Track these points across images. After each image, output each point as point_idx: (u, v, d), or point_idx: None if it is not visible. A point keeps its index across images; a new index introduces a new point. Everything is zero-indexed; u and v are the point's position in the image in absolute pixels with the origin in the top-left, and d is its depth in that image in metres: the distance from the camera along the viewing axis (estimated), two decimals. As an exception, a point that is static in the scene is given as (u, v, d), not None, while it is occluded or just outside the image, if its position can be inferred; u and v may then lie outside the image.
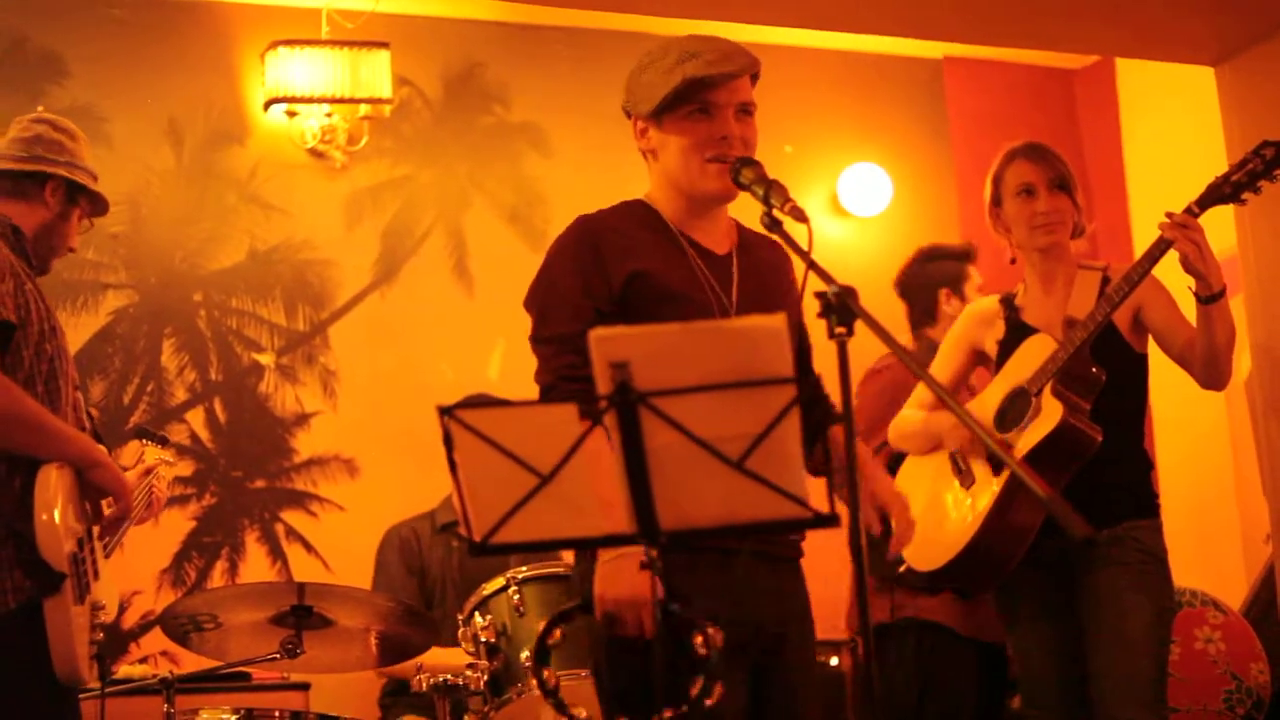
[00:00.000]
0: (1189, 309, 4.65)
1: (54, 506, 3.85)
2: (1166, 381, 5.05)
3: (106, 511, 4.11)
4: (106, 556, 4.20)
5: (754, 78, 3.79)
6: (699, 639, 3.02)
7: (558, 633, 3.88)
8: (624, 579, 3.38)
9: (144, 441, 5.09)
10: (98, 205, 4.48)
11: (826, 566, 5.73)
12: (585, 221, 3.80)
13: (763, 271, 3.84)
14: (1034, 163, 4.84)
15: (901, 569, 5.05)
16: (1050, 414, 4.56)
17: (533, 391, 3.70)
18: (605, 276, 3.67)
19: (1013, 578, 4.69)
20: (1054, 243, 4.82)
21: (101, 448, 4.09)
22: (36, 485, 3.86)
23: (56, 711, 3.95)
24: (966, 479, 4.73)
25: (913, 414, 5.00)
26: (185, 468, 6.62)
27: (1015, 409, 4.66)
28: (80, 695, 4.38)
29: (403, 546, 5.98)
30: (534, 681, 4.28)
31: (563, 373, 3.59)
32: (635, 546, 3.20)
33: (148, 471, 4.85)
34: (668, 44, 3.79)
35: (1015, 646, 4.82)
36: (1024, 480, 2.83)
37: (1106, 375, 4.60)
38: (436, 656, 5.07)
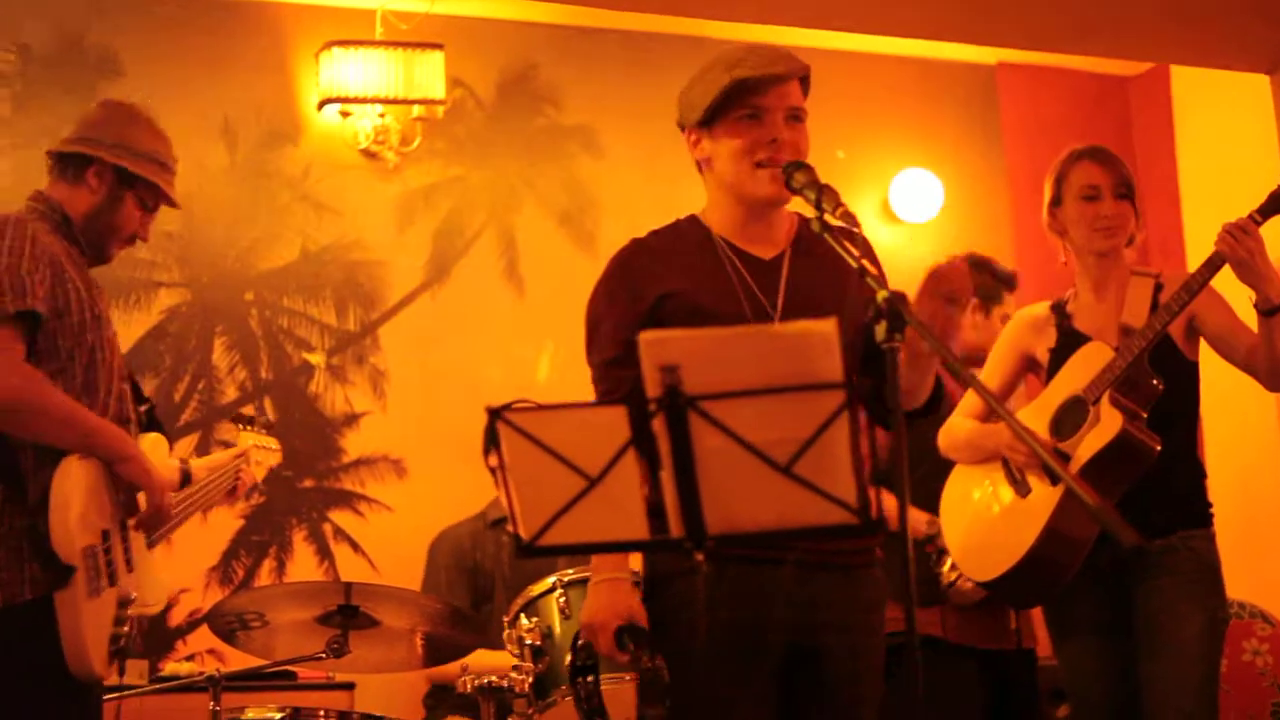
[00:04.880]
0: (1248, 314, 4.61)
1: (68, 497, 3.81)
2: (1215, 391, 5.02)
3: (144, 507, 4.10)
4: (150, 546, 4.18)
5: (805, 85, 3.80)
6: (646, 663, 3.21)
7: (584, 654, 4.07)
8: (592, 603, 3.70)
9: (240, 426, 5.07)
10: (158, 193, 4.34)
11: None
12: (628, 246, 3.88)
13: (821, 269, 3.79)
14: (1100, 165, 4.81)
15: (956, 575, 5.03)
16: (1110, 423, 4.52)
17: (580, 393, 3.74)
18: (634, 302, 3.76)
19: (1066, 589, 4.66)
20: (1112, 247, 4.79)
21: (133, 441, 4.04)
22: (55, 476, 3.82)
23: (66, 705, 3.89)
24: (1022, 488, 4.69)
25: (962, 422, 4.96)
26: (233, 466, 6.66)
27: (1072, 417, 4.63)
28: (125, 693, 4.40)
29: (456, 547, 5.99)
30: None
31: (600, 399, 3.74)
32: (620, 571, 3.68)
33: (239, 455, 4.83)
34: (717, 56, 3.81)
35: (1066, 659, 4.78)
36: (1074, 490, 2.81)
37: (1163, 385, 4.57)
38: (482, 658, 5.07)
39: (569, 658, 4.49)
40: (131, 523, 4.07)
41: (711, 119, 3.74)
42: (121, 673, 4.10)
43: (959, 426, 4.97)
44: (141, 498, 4.05)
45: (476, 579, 5.92)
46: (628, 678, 4.14)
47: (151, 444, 4.28)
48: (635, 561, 4.08)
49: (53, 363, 3.95)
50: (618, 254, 3.88)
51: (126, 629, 3.98)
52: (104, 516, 3.93)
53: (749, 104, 3.70)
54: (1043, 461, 4.51)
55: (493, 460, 2.71)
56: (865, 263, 3.21)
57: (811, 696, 3.67)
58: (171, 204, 4.37)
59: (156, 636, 6.46)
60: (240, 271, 6.96)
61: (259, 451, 5.01)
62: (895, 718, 5.74)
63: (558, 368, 7.11)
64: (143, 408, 4.38)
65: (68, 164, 4.25)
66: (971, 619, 5.37)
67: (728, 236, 3.81)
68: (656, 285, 3.74)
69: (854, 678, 3.72)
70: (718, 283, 3.75)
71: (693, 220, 3.89)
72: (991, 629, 5.42)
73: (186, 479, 4.63)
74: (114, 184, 4.24)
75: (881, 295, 2.91)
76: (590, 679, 4.10)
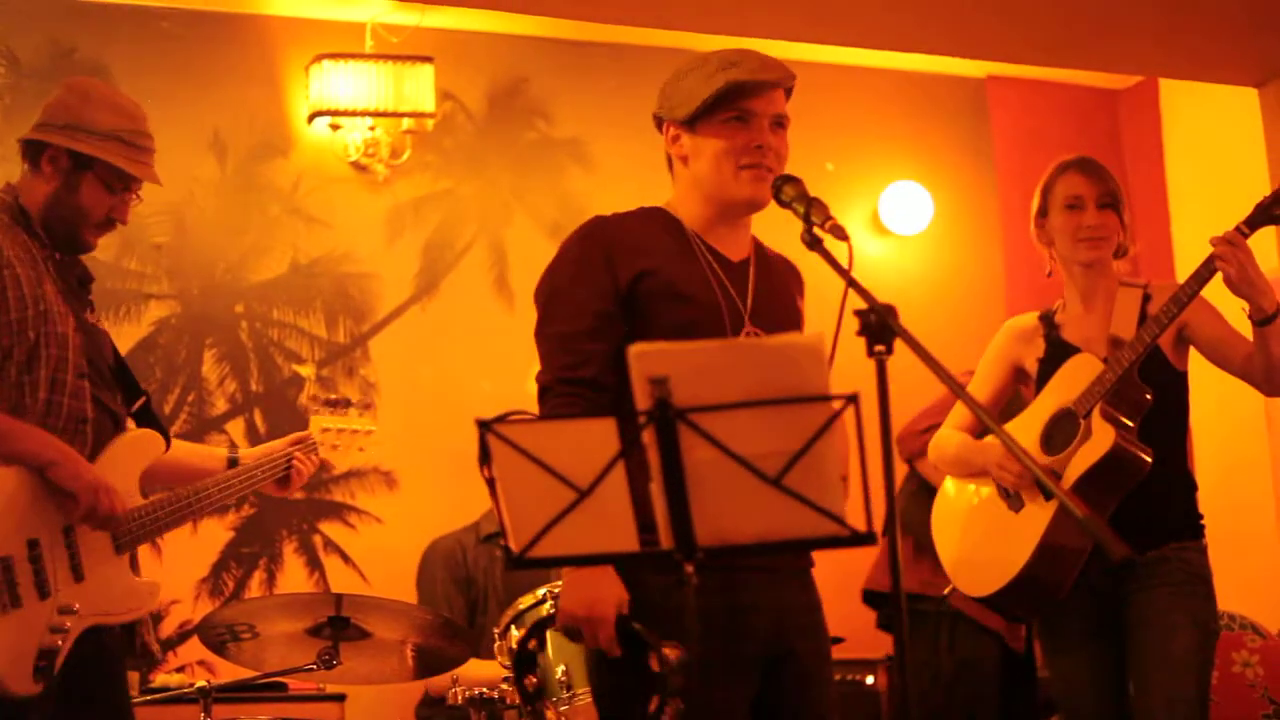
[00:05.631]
0: (1240, 322, 4.61)
1: None
2: (1205, 402, 5.02)
3: (150, 498, 4.00)
4: (120, 552, 3.99)
5: (788, 93, 3.82)
6: (654, 657, 3.10)
7: (533, 642, 4.00)
8: (584, 594, 3.48)
9: (314, 409, 4.83)
10: (122, 173, 4.12)
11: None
12: (597, 220, 3.83)
13: (776, 286, 3.88)
14: (1085, 176, 4.81)
15: (947, 590, 5.04)
16: (1102, 437, 4.52)
17: None
18: (613, 274, 3.70)
19: (1059, 603, 4.66)
20: (1097, 258, 4.79)
21: (59, 444, 3.87)
22: None
23: None
24: (1015, 503, 4.69)
25: (952, 435, 4.96)
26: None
27: (1063, 431, 4.63)
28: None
29: (448, 557, 6.00)
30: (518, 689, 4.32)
31: (560, 374, 3.68)
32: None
33: (297, 441, 4.63)
34: (706, 55, 3.82)
35: (1057, 670, 4.78)
36: (1064, 502, 2.82)
37: (1153, 396, 4.58)
38: (475, 669, 5.08)
39: (561, 668, 4.50)
40: (97, 530, 3.94)
41: (698, 118, 3.75)
42: (42, 686, 3.79)
43: (949, 440, 4.96)
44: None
45: (470, 592, 5.93)
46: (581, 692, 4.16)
47: (133, 441, 4.15)
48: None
49: None
50: (586, 227, 3.82)
51: (60, 643, 3.81)
52: (30, 526, 3.81)
53: (738, 107, 3.72)
54: (1035, 477, 4.51)
55: (488, 472, 2.71)
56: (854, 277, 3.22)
57: (788, 700, 3.68)
58: (147, 179, 4.18)
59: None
60: (230, 284, 6.96)
61: (335, 435, 4.78)
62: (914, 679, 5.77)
63: (548, 380, 7.11)
64: (135, 404, 4.29)
65: (28, 152, 4.14)
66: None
67: (699, 232, 3.81)
68: (633, 262, 3.71)
69: (822, 680, 3.78)
70: (694, 270, 3.75)
71: (660, 210, 3.88)
72: (1007, 624, 5.47)
73: (233, 466, 4.49)
74: (69, 168, 4.09)
75: (871, 307, 2.91)
76: (537, 679, 4.13)
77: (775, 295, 3.86)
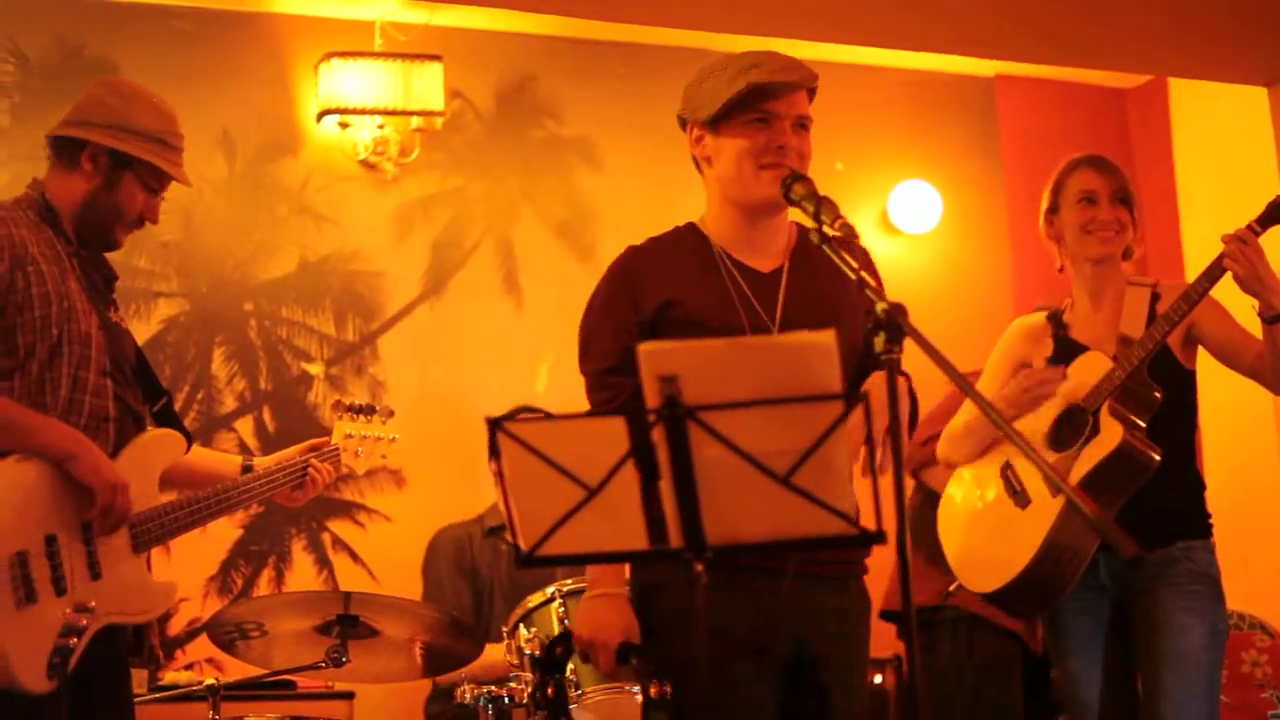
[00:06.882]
0: (1251, 322, 4.60)
1: None
2: (1214, 401, 5.02)
3: (165, 497, 3.98)
4: (138, 551, 3.96)
5: (810, 94, 3.82)
6: (653, 687, 3.22)
7: (559, 650, 4.06)
8: (591, 619, 3.67)
9: (338, 414, 4.77)
10: (160, 173, 4.14)
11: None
12: (626, 254, 3.88)
13: (821, 280, 3.82)
14: (1098, 172, 4.82)
15: (953, 587, 5.03)
16: (1110, 434, 4.52)
17: (579, 404, 3.82)
18: (637, 308, 3.76)
19: (1066, 601, 4.65)
20: (1107, 254, 4.79)
21: (80, 439, 3.84)
22: None
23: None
24: (1021, 499, 4.68)
25: (961, 419, 4.96)
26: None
27: (1071, 427, 4.63)
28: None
29: (455, 548, 6.03)
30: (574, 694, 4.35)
31: (600, 408, 3.73)
32: (619, 587, 3.66)
33: (314, 448, 4.57)
34: (730, 57, 3.83)
35: (1064, 672, 4.78)
36: (1073, 499, 2.81)
37: (1162, 395, 4.57)
38: (489, 654, 5.10)
39: (570, 666, 4.50)
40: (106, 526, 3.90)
41: (721, 119, 3.76)
42: (55, 683, 3.76)
43: (957, 420, 4.96)
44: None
45: (475, 581, 5.95)
46: (629, 687, 4.16)
47: (154, 440, 4.13)
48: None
49: (9, 359, 3.86)
50: (616, 262, 3.88)
51: (75, 641, 3.77)
52: (48, 521, 3.78)
53: (760, 108, 3.73)
54: (1043, 472, 4.50)
55: (497, 466, 2.72)
56: (864, 275, 3.21)
57: (808, 706, 3.67)
58: (181, 181, 4.19)
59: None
60: (239, 282, 6.96)
61: (359, 441, 4.74)
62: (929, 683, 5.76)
63: (556, 379, 7.12)
64: (157, 405, 4.28)
65: (62, 149, 4.11)
66: None
67: (727, 247, 3.82)
68: (657, 293, 3.75)
69: (848, 689, 3.75)
70: (717, 295, 3.76)
71: (691, 228, 3.90)
72: (1025, 625, 5.48)
73: (248, 473, 4.47)
74: (110, 167, 4.08)
75: (880, 306, 2.91)
76: (558, 677, 4.17)
77: (815, 299, 3.81)
